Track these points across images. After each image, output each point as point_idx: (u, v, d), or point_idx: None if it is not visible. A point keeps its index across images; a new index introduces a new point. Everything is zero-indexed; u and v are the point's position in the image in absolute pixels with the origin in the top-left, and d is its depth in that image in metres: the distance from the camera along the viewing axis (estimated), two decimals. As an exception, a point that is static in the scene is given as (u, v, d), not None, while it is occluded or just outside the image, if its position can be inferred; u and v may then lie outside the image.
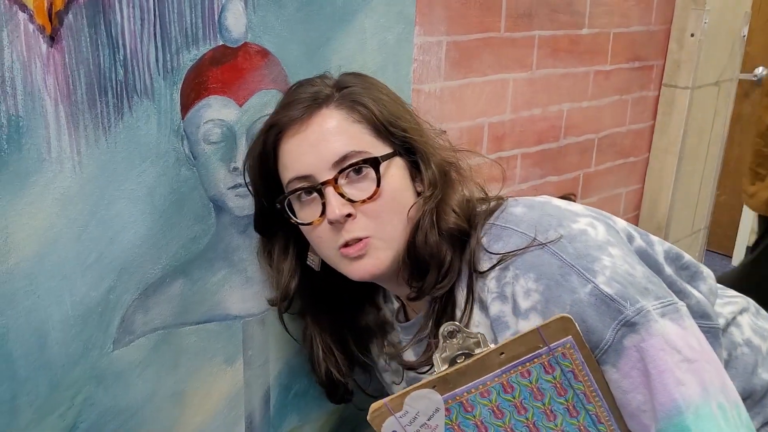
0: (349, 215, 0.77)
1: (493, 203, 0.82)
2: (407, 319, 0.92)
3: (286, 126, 0.81)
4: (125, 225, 0.87)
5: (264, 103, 0.97)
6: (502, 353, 0.68)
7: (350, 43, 1.04)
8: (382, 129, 0.80)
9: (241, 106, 0.95)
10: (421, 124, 0.86)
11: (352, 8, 1.03)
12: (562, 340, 0.66)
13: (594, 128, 1.76)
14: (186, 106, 0.89)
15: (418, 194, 0.81)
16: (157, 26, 0.83)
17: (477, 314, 0.77)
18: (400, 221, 0.79)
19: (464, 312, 0.78)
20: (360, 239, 0.78)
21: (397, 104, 0.83)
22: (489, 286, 0.74)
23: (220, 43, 0.90)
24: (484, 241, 0.77)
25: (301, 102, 0.80)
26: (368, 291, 0.95)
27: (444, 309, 0.80)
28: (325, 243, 0.81)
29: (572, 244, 0.70)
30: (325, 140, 0.78)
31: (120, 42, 0.81)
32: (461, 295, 0.78)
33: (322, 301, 0.94)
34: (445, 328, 0.69)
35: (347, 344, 0.97)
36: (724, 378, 0.65)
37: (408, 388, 0.71)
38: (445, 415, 0.70)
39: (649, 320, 0.65)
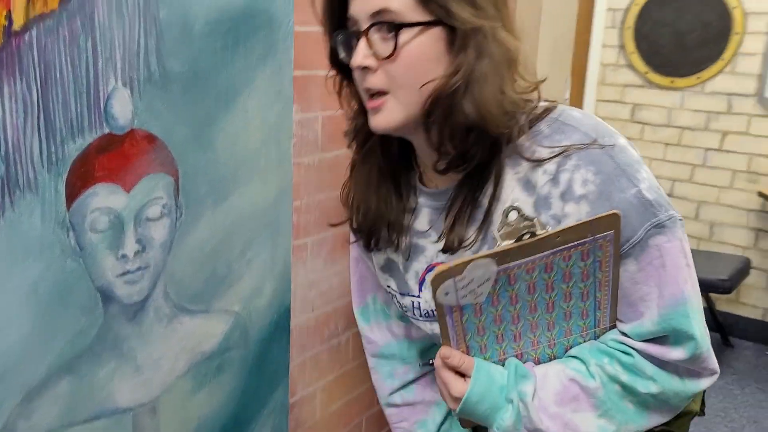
0: (366, 68, 0.80)
1: (544, 104, 0.86)
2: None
3: None
4: (6, 326, 0.81)
5: (152, 187, 0.95)
6: (559, 237, 0.76)
7: (235, 123, 1.06)
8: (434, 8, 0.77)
9: (128, 192, 0.93)
10: (496, 11, 0.80)
11: (235, 89, 1.05)
12: (606, 233, 0.76)
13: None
14: (72, 196, 0.86)
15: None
16: (41, 118, 0.80)
17: (519, 193, 0.83)
18: (414, 91, 0.80)
19: (497, 188, 0.83)
20: (382, 93, 0.81)
21: None
22: (547, 169, 0.80)
23: (107, 131, 0.88)
24: (545, 130, 0.82)
25: None
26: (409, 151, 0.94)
27: (477, 185, 0.84)
28: (359, 89, 0.85)
29: (623, 153, 0.80)
30: None
31: (1, 137, 0.77)
32: (503, 176, 0.83)
33: (374, 145, 0.94)
34: (508, 209, 0.77)
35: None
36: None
37: (473, 256, 0.77)
38: (492, 285, 0.77)
39: (674, 226, 0.78)
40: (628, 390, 0.81)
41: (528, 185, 0.82)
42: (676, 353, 0.80)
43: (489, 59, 0.78)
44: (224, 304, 1.13)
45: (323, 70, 0.95)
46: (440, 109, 0.79)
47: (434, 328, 0.95)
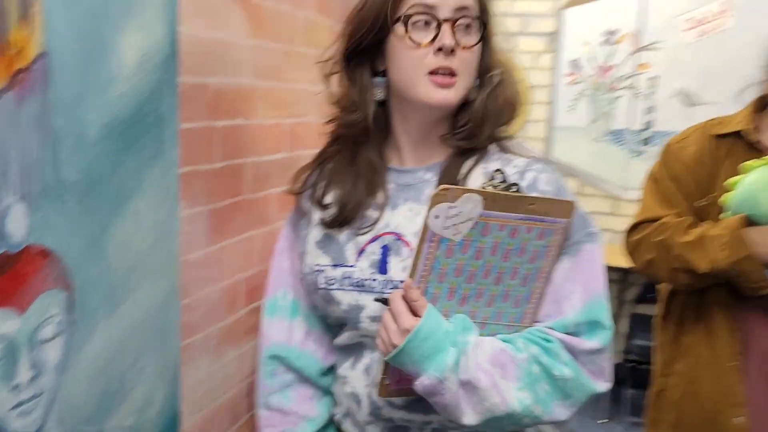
0: (452, 50, 0.92)
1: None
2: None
3: None
4: None
5: (46, 305, 0.87)
6: (533, 204, 0.84)
7: (126, 227, 1.01)
8: (488, 19, 0.97)
9: (22, 314, 0.84)
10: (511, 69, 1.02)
11: (127, 192, 1.00)
12: (561, 219, 0.85)
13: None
14: (-37, 328, 0.76)
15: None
16: (-66, 245, 0.71)
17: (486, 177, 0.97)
18: (473, 78, 0.96)
19: (472, 168, 0.97)
20: (453, 75, 0.92)
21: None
22: (517, 164, 0.96)
23: (2, 250, 0.80)
24: (513, 143, 1.01)
25: None
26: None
27: (459, 164, 0.98)
28: (418, 65, 0.93)
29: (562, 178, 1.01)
30: None
31: None
32: (478, 164, 0.98)
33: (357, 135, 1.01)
34: (494, 171, 0.91)
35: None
36: None
37: (472, 188, 0.84)
38: (470, 228, 0.82)
39: (599, 238, 0.96)
40: (545, 372, 0.88)
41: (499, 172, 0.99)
42: (590, 344, 0.90)
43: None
44: (117, 420, 1.04)
45: (208, 164, 0.96)
46: (485, 92, 0.98)
47: (359, 299, 0.96)
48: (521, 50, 3.46)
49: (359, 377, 0.98)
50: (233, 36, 1.48)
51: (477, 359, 0.85)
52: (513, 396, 0.86)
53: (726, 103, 3.24)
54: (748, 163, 1.22)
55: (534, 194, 0.90)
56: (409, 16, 0.92)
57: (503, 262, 0.87)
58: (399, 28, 0.93)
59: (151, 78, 1.05)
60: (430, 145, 0.99)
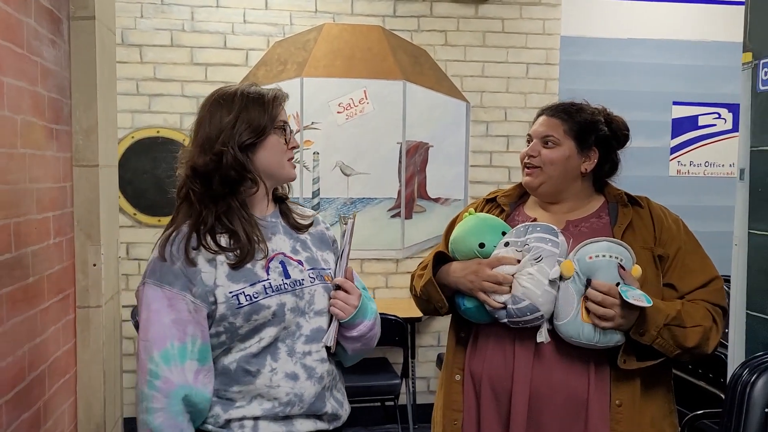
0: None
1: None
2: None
3: None
4: None
5: None
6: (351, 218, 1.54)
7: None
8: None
9: None
10: None
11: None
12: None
13: (34, 365, 1.90)
14: None
15: None
16: None
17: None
18: None
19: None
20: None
21: None
22: (306, 211, 1.57)
23: None
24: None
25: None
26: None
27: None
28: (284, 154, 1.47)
29: None
30: None
31: None
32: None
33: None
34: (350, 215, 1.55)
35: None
36: None
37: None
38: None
39: None
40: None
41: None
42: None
43: None
44: None
45: None
46: None
47: (281, 298, 1.37)
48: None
49: (287, 361, 1.38)
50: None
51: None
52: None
53: (374, 173, 3.99)
54: (464, 213, 1.68)
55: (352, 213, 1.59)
56: (281, 126, 1.42)
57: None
58: (277, 131, 1.41)
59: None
60: (265, 203, 1.47)
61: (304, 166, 3.79)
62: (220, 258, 1.34)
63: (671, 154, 4.17)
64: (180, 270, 1.32)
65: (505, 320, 1.51)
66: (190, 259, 1.32)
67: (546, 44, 3.99)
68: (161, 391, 1.28)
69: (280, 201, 1.50)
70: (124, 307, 2.95)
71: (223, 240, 1.35)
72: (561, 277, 1.48)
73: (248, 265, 1.36)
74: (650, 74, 4.10)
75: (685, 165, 4.19)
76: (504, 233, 1.60)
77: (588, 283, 1.47)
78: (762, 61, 1.80)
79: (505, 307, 1.50)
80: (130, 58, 3.68)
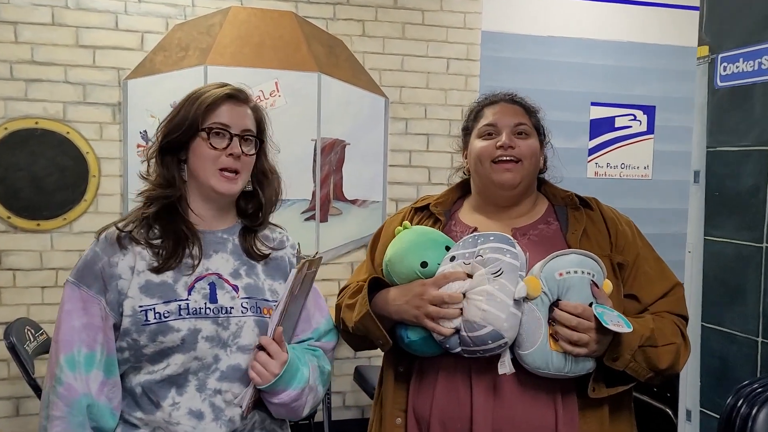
0: (239, 156, 1.32)
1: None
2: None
3: None
4: None
5: None
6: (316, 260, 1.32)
7: None
8: (263, 137, 1.40)
9: None
10: None
11: None
12: (315, 269, 1.32)
13: None
14: None
15: None
16: None
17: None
18: (249, 175, 1.36)
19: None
20: (237, 172, 1.32)
21: None
22: (276, 235, 1.44)
23: None
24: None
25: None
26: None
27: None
28: (213, 162, 1.30)
29: None
30: None
31: None
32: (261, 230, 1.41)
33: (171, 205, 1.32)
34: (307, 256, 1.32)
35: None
36: None
37: (309, 259, 1.29)
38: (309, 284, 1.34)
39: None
40: (321, 369, 1.35)
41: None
42: (331, 343, 1.42)
43: None
44: None
45: None
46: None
47: (197, 323, 1.24)
48: (83, 120, 3.30)
49: (194, 396, 1.23)
50: None
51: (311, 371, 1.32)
52: (321, 390, 1.35)
53: (286, 172, 3.68)
54: (397, 227, 1.40)
55: (318, 255, 1.35)
56: (211, 128, 1.27)
57: (303, 301, 1.36)
58: (203, 134, 1.27)
59: None
60: (220, 216, 1.35)
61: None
62: (141, 265, 1.25)
63: (589, 155, 4.12)
64: (99, 271, 1.25)
65: (458, 349, 1.26)
66: (112, 260, 1.25)
67: (467, 39, 3.82)
68: (63, 399, 1.21)
69: (250, 218, 1.37)
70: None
71: (156, 241, 1.28)
72: (526, 298, 1.26)
73: (169, 281, 1.26)
74: (569, 73, 4.02)
75: (602, 167, 4.15)
76: (448, 248, 1.35)
77: (555, 304, 1.26)
78: (720, 56, 1.67)
79: (457, 333, 1.26)
80: (2, 37, 3.19)
